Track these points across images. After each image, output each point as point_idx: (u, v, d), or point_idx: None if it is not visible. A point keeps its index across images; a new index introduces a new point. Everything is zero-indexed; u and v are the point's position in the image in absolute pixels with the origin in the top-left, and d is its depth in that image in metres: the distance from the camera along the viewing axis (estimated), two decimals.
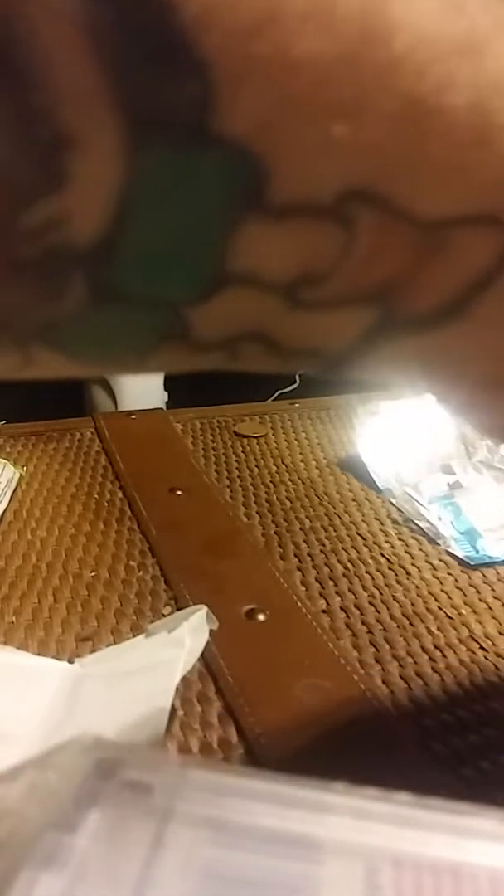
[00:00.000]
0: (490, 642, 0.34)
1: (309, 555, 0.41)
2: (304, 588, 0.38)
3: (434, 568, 0.40)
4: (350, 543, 0.42)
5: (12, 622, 0.35)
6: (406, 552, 0.41)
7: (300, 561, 0.40)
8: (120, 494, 0.47)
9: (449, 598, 0.37)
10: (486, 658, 0.33)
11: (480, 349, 0.15)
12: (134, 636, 0.33)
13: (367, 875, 0.13)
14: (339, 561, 0.40)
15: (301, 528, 0.43)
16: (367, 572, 0.39)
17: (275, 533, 0.43)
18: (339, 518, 0.45)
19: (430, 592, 0.37)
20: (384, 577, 0.39)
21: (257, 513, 0.45)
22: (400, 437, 0.48)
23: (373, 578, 0.39)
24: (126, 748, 0.15)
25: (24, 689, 0.29)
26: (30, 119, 0.11)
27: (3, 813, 0.13)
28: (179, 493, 0.46)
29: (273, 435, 0.56)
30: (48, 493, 0.47)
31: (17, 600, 0.36)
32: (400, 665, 0.32)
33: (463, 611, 0.36)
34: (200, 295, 0.13)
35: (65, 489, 0.48)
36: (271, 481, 0.49)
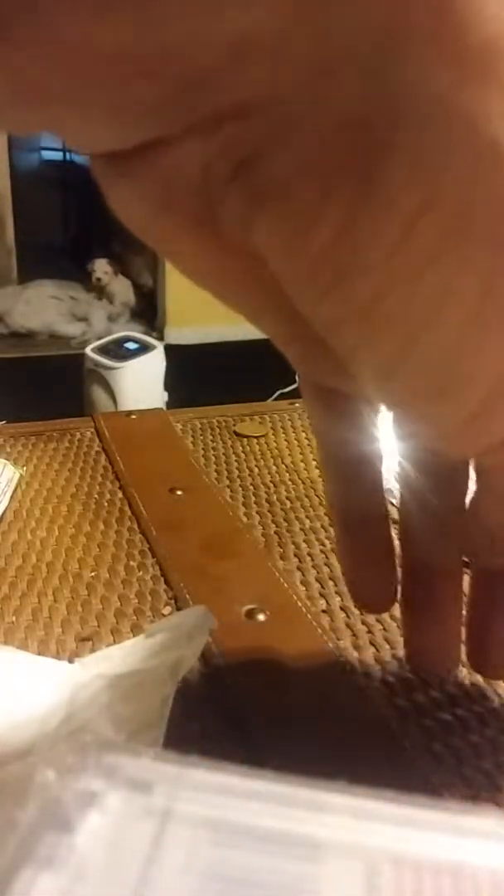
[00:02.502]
0: None
1: (309, 555, 0.41)
2: (304, 588, 0.38)
3: None
4: None
5: (12, 622, 0.35)
6: None
7: (300, 561, 0.40)
8: (120, 494, 0.47)
9: None
10: None
11: None
12: (134, 636, 0.33)
13: (367, 875, 0.13)
14: (339, 561, 0.40)
15: (301, 528, 0.43)
16: None
17: (275, 533, 0.43)
18: None
19: None
20: None
21: (257, 513, 0.45)
22: None
23: None
24: (126, 748, 0.15)
25: (24, 689, 0.29)
26: None
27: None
28: (179, 493, 0.46)
29: (273, 435, 0.56)
30: (48, 493, 0.47)
31: (17, 600, 0.36)
32: (400, 665, 0.32)
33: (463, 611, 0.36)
34: None
35: (65, 489, 0.48)
36: (271, 481, 0.49)
